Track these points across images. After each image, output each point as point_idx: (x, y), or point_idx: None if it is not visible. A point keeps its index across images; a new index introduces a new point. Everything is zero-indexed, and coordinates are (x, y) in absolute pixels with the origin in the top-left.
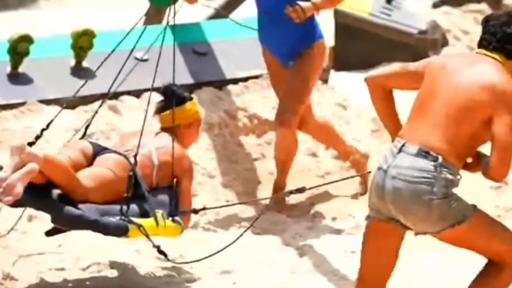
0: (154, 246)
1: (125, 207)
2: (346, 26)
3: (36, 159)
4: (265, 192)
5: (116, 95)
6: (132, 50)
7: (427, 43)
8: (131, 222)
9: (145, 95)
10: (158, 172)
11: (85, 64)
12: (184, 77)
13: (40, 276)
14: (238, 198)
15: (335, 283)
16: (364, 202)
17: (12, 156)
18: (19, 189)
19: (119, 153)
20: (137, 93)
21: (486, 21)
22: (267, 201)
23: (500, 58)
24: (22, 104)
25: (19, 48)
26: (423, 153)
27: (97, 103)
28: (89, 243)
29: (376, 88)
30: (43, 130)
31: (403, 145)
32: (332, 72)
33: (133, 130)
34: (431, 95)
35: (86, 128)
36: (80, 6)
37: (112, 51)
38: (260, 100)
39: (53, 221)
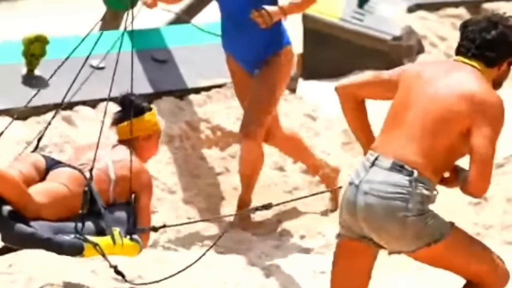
0: (111, 266)
1: (80, 225)
2: (316, 32)
3: None
4: (229, 208)
5: (70, 105)
6: (88, 57)
7: (402, 49)
8: (86, 240)
9: (102, 105)
10: (115, 187)
11: (37, 72)
12: (143, 86)
13: None
14: (200, 215)
15: None
16: (335, 219)
17: None
18: None
19: (74, 167)
20: (93, 103)
21: (464, 27)
22: (231, 218)
23: (479, 66)
24: None
25: None
26: (398, 167)
27: (50, 114)
28: (41, 263)
29: (347, 98)
30: None
31: (376, 159)
32: (300, 81)
33: (88, 143)
34: (405, 106)
35: (39, 140)
36: (32, 10)
37: (66, 59)
38: (223, 110)
39: (3, 239)
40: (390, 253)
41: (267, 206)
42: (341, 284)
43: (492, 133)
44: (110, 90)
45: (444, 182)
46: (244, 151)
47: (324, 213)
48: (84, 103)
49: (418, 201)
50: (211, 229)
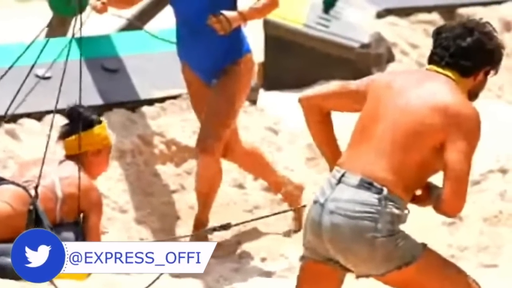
0: None
1: None
2: (278, 39)
3: None
4: (184, 229)
5: (14, 118)
6: (33, 66)
7: (370, 58)
8: None
9: (48, 117)
10: (63, 206)
11: None
12: (92, 97)
13: None
14: (154, 235)
15: None
16: (298, 241)
17: None
18: None
19: (18, 185)
20: (38, 116)
21: (437, 33)
22: (187, 239)
23: (454, 75)
24: None
25: None
26: (366, 184)
27: None
28: None
29: (311, 110)
30: None
31: (342, 175)
32: (261, 91)
33: (33, 158)
34: (374, 118)
35: None
36: None
37: (10, 68)
38: (179, 123)
39: None
40: (357, 276)
41: (225, 226)
42: None
43: (468, 148)
44: (57, 102)
45: (416, 200)
46: (201, 167)
47: (287, 234)
48: (29, 115)
49: (388, 220)
50: None
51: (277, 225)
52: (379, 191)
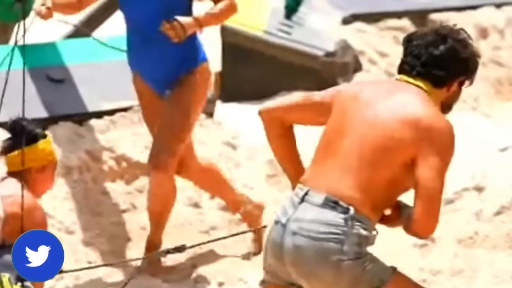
0: None
1: None
2: (236, 46)
3: None
4: (136, 251)
5: None
6: None
7: (336, 67)
8: None
9: None
10: (4, 226)
11: None
12: (37, 110)
13: None
14: (102, 258)
15: None
16: (258, 264)
17: None
18: None
19: None
20: None
21: (408, 41)
22: (139, 262)
23: (426, 86)
24: None
25: None
26: (331, 203)
27: None
28: None
29: (272, 123)
30: None
31: (306, 194)
32: (218, 103)
33: None
34: (340, 132)
35: None
36: None
37: None
38: (129, 138)
39: None
40: None
41: (180, 249)
42: None
43: (441, 164)
44: None
45: (385, 220)
46: (154, 184)
47: (246, 257)
48: None
49: (355, 242)
50: (115, 274)
51: (235, 247)
52: (345, 211)
